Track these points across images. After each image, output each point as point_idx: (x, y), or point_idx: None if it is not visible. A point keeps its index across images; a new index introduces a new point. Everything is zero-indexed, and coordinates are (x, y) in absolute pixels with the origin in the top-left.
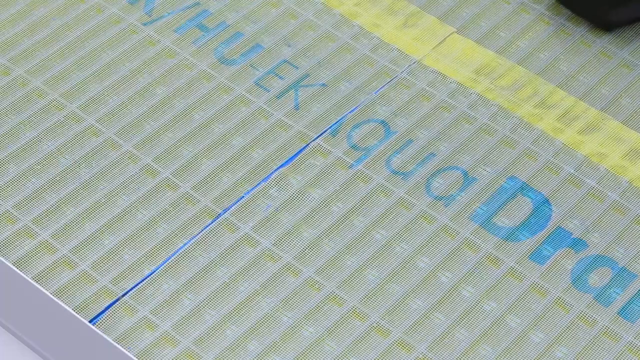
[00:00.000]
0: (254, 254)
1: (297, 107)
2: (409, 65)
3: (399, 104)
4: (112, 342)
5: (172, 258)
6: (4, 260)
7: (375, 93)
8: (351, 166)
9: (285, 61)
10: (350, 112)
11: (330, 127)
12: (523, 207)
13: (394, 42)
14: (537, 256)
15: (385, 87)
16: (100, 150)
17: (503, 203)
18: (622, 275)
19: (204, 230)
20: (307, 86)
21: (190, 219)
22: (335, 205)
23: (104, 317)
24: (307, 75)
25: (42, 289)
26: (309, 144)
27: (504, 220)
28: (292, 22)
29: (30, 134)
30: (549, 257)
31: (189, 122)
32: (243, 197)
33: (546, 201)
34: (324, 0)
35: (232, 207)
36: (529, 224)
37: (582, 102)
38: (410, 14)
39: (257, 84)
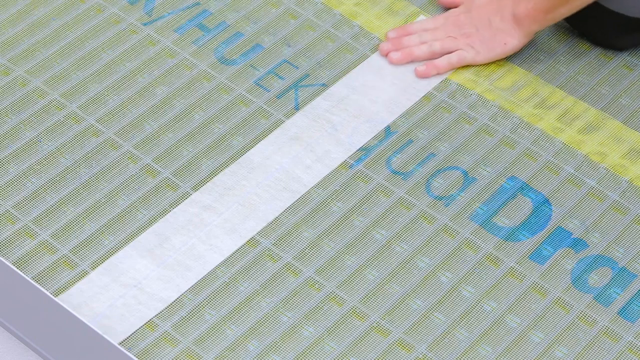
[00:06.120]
0: (254, 253)
1: (297, 107)
2: None
3: None
4: (113, 342)
5: None
6: (4, 260)
7: None
8: (351, 166)
9: (285, 61)
10: None
11: None
12: (523, 207)
13: None
14: (537, 256)
15: None
16: (100, 150)
17: (503, 203)
18: (622, 275)
19: None
20: (307, 86)
21: None
22: (335, 205)
23: None
24: (307, 75)
25: (42, 289)
26: None
27: (504, 220)
28: (292, 22)
29: (30, 134)
30: (549, 257)
31: (189, 122)
32: None
33: (546, 201)
34: (324, 0)
35: None
36: (529, 224)
37: (582, 102)
38: (411, 14)
39: (257, 84)
